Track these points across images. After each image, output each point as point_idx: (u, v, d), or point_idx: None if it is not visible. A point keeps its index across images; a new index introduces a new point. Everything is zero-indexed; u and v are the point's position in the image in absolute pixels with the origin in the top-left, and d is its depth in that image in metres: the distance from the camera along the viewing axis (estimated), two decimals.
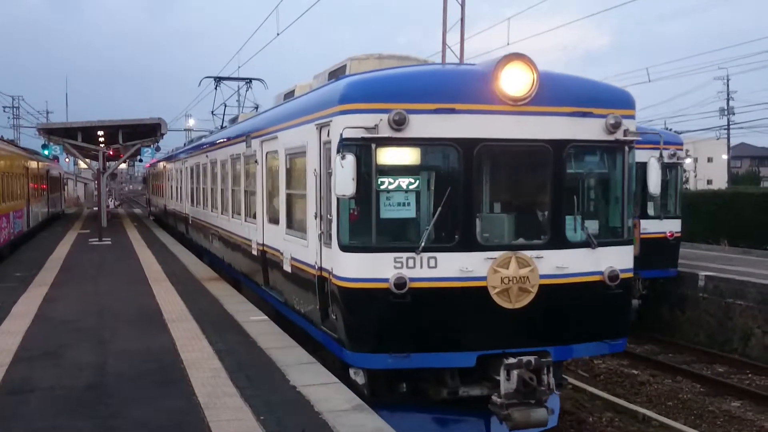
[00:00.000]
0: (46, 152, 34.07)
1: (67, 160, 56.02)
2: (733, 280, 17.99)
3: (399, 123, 8.22)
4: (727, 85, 65.77)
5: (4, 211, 24.68)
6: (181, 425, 7.13)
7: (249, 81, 26.35)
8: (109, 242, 26.37)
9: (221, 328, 11.44)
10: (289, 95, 13.20)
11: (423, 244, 8.41)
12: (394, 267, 8.34)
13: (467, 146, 8.56)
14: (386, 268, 8.35)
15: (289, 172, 11.33)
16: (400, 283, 8.26)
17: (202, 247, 21.70)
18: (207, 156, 20.12)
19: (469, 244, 8.59)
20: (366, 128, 8.23)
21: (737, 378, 15.71)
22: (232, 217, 16.13)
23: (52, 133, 31.85)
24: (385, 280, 8.30)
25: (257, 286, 13.51)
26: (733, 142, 72.15)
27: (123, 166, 57.64)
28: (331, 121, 8.86)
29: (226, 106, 26.66)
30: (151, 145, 33.71)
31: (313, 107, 9.82)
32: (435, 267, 8.45)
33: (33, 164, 34.17)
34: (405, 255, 8.38)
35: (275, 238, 11.94)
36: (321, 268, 9.36)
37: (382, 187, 8.51)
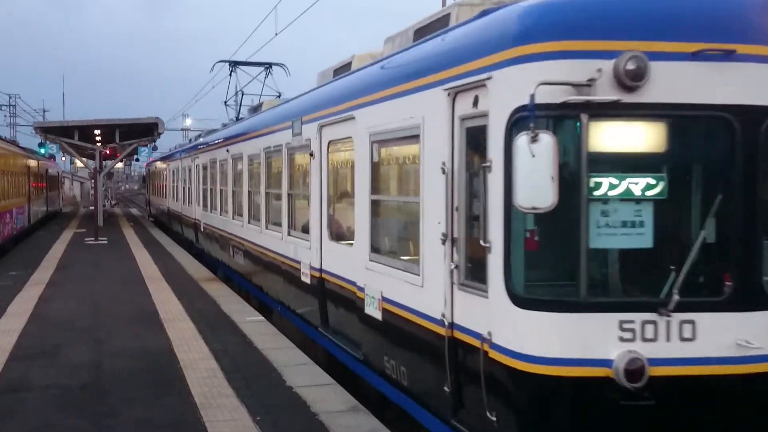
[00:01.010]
0: (42, 151, 34.23)
1: (63, 158, 56.11)
2: None
3: (636, 76, 4.75)
4: None
5: (8, 207, 25.96)
6: (177, 425, 7.11)
7: (269, 66, 22.94)
8: (105, 241, 26.38)
9: (218, 328, 11.43)
10: (343, 70, 9.97)
11: (676, 297, 4.82)
12: (619, 339, 4.84)
13: (751, 119, 4.93)
14: (606, 340, 4.83)
15: (377, 168, 7.75)
16: (635, 369, 4.73)
17: (217, 260, 18.31)
18: (227, 150, 16.37)
19: (751, 296, 4.97)
20: (574, 85, 4.77)
21: None
22: (266, 228, 12.64)
23: (49, 131, 31.94)
24: (606, 363, 4.79)
25: (307, 324, 10.13)
26: None
27: (119, 165, 57.61)
28: (489, 78, 5.24)
29: (243, 93, 23.23)
30: (148, 145, 33.82)
31: (441, 61, 6.17)
32: (692, 339, 4.90)
33: (33, 163, 35.16)
34: (639, 317, 4.85)
35: (346, 263, 8.43)
36: (454, 326, 5.80)
37: (596, 192, 4.90)
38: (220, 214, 17.56)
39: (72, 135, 31.46)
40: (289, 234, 11.08)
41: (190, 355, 9.72)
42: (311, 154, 9.63)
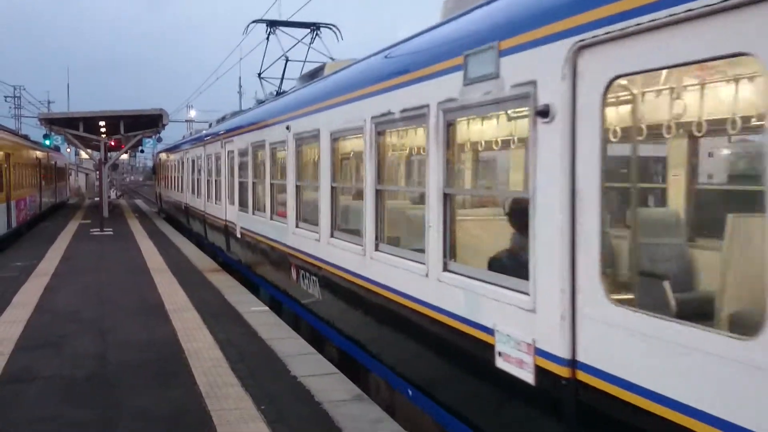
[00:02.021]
0: (47, 142, 34.42)
1: (68, 150, 56.16)
2: None
3: None
4: None
5: (23, 195, 29.58)
6: (182, 415, 7.13)
7: (317, 27, 18.53)
8: (111, 232, 26.47)
9: (222, 318, 11.46)
10: None
11: None
12: None
13: None
14: None
15: None
16: None
17: (264, 279, 13.75)
18: (288, 128, 11.30)
19: None
20: None
21: None
22: (377, 250, 7.72)
23: (54, 123, 32.04)
24: None
25: None
26: None
27: (124, 156, 57.69)
28: None
29: (288, 59, 18.28)
30: (153, 136, 33.88)
31: None
32: None
33: (43, 156, 37.65)
34: None
35: (710, 378, 3.45)
36: None
37: None
38: (271, 219, 12.87)
39: (77, 126, 31.49)
40: (445, 269, 6.14)
41: (195, 344, 9.75)
42: (540, 113, 4.69)
